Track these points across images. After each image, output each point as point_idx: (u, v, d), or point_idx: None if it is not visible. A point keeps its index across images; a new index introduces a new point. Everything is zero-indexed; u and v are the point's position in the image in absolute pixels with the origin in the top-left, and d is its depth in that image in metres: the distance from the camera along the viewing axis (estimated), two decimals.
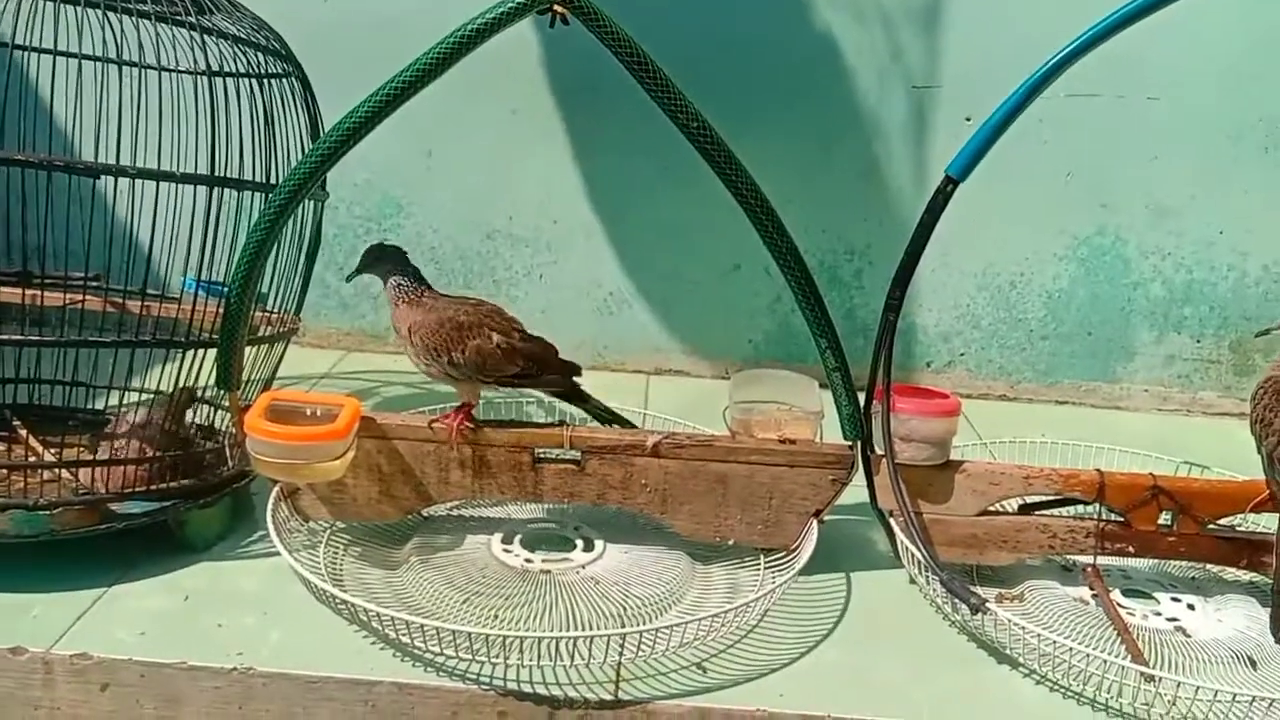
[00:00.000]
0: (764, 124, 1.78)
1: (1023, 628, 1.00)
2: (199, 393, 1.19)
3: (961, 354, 1.94)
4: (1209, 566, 1.23)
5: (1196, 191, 1.83)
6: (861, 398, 1.16)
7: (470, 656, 0.95)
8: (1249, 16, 1.75)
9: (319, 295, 1.90)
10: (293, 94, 1.22)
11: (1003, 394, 1.95)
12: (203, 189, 1.09)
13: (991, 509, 1.16)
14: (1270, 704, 0.94)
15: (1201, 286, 1.88)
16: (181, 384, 1.14)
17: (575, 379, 1.23)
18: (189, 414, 1.21)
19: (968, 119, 1.78)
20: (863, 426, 1.15)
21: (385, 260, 1.21)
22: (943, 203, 1.10)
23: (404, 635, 0.96)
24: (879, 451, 1.15)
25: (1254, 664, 1.04)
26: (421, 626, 0.94)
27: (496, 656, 0.95)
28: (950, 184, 1.09)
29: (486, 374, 1.15)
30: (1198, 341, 1.91)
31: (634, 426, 1.26)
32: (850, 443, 1.15)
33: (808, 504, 1.15)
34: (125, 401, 1.19)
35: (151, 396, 1.17)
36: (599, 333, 1.93)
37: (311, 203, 1.25)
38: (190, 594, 1.06)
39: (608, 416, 1.26)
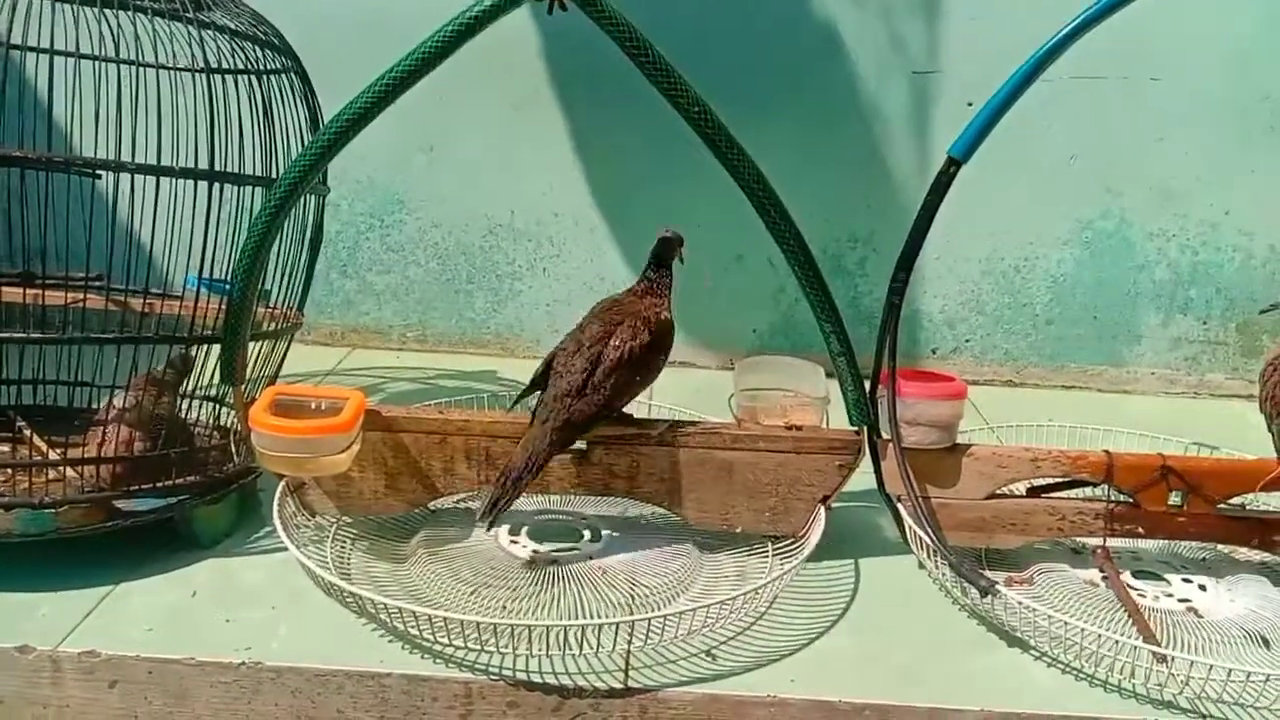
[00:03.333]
0: (765, 111, 1.77)
1: (1033, 610, 0.99)
2: (190, 364, 1.18)
3: (967, 340, 1.93)
4: (1220, 547, 1.23)
5: (1202, 173, 1.83)
6: (867, 384, 1.16)
7: (480, 647, 0.95)
8: None
9: (323, 293, 1.91)
10: (292, 88, 1.21)
11: (1009, 379, 1.94)
12: (203, 184, 1.08)
13: (999, 492, 1.16)
14: None
15: (1207, 268, 1.87)
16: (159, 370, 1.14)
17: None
18: (188, 405, 1.20)
19: (969, 104, 1.77)
20: (869, 411, 1.14)
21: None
22: (946, 184, 1.09)
23: (413, 627, 0.96)
24: (885, 436, 1.15)
25: (1267, 643, 1.04)
26: (430, 618, 0.93)
27: (506, 647, 0.95)
28: (953, 165, 1.09)
29: None
30: (1204, 323, 1.90)
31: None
32: (856, 428, 1.15)
33: (815, 490, 1.15)
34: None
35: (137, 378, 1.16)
36: None
37: (313, 197, 1.25)
38: (198, 590, 1.06)
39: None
